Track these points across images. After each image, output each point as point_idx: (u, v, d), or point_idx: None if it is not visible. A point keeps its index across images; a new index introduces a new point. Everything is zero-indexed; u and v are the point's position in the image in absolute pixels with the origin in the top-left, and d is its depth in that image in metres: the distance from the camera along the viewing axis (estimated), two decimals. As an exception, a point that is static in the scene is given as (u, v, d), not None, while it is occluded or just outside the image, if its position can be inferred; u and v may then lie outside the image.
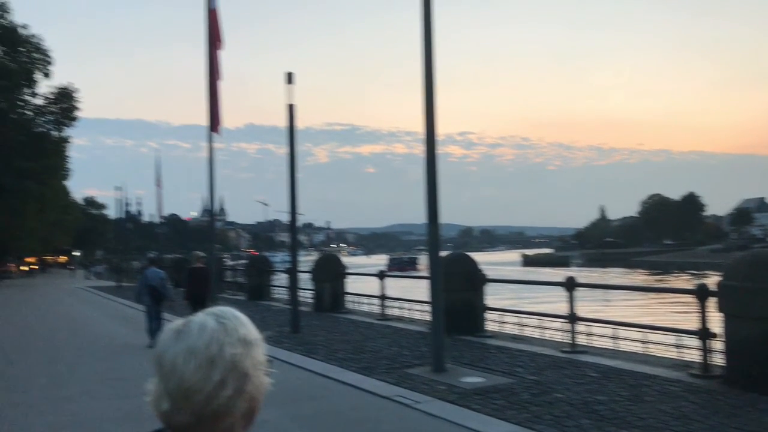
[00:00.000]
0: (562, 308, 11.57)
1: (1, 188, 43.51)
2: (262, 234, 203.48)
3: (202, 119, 17.65)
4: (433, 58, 10.22)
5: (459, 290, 12.92)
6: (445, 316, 10.17)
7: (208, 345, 1.36)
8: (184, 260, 32.22)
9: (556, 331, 12.30)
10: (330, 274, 19.04)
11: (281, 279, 25.01)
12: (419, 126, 10.27)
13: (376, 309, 17.77)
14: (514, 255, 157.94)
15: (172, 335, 1.40)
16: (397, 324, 15.51)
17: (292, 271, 15.51)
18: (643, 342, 10.83)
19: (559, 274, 30.14)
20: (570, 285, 11.34)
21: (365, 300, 18.97)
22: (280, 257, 53.12)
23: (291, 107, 14.95)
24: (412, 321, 15.92)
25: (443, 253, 11.24)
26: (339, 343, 12.90)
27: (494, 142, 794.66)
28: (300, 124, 14.78)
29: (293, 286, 15.35)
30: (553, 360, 10.38)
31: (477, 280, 13.35)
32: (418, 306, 16.30)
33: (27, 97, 45.29)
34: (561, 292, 11.64)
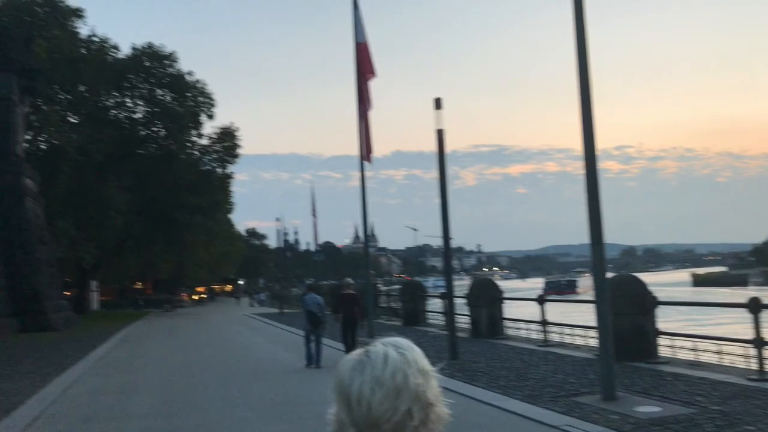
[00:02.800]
0: (742, 331, 10.58)
1: (174, 223, 47.09)
2: (413, 259, 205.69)
3: (352, 149, 18.21)
4: (589, 71, 9.82)
5: (628, 314, 12.20)
6: (613, 342, 9.61)
7: (394, 375, 1.37)
8: (338, 286, 33.15)
9: (737, 357, 11.27)
10: (486, 298, 18.72)
11: (435, 304, 24.97)
12: (572, 142, 9.96)
13: (535, 335, 17.23)
14: (683, 275, 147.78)
15: (354, 365, 1.42)
16: (560, 350, 14.91)
17: (448, 296, 15.39)
18: None
19: (736, 294, 27.85)
20: (755, 306, 10.35)
21: (523, 325, 18.46)
22: (431, 282, 53.35)
23: (440, 132, 14.95)
24: (576, 347, 15.26)
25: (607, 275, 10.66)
26: (500, 370, 12.59)
27: (655, 155, 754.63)
28: (446, 147, 14.72)
29: (450, 312, 15.21)
30: (739, 388, 9.49)
31: (647, 302, 12.57)
32: (580, 331, 15.61)
33: (194, 138, 48.89)
34: (740, 314, 10.66)
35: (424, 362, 1.45)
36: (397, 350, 1.43)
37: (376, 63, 18.25)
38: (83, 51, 42.91)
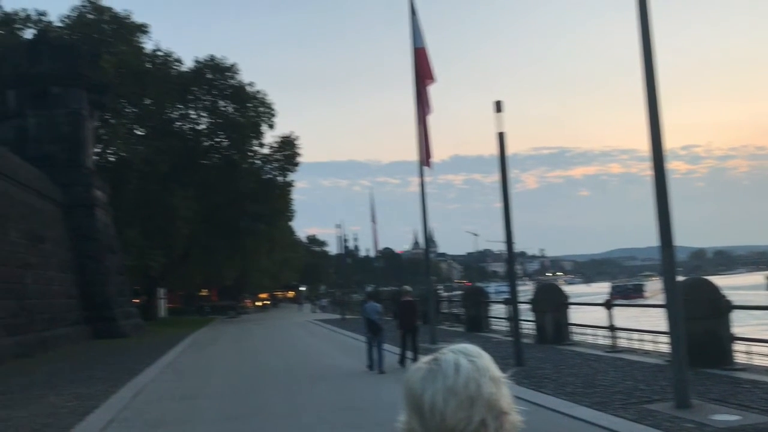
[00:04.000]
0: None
1: (237, 231, 48.01)
2: (473, 264, 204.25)
3: (411, 155, 18.24)
4: (655, 70, 9.55)
5: (700, 318, 11.78)
6: (686, 347, 9.28)
7: (467, 384, 1.35)
8: (398, 293, 33.17)
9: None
10: (551, 304, 18.40)
11: (498, 310, 24.69)
12: (637, 142, 9.74)
13: (602, 340, 16.84)
14: (757, 277, 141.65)
15: (425, 374, 1.39)
16: (629, 356, 14.51)
17: (513, 302, 15.18)
18: None
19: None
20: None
21: (589, 331, 18.06)
22: (493, 287, 52.79)
23: (501, 135, 14.78)
24: (645, 353, 14.82)
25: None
26: (567, 377, 12.33)
27: (724, 154, 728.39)
28: (507, 150, 14.58)
29: (515, 317, 15.01)
30: (823, 397, 9.03)
31: (720, 306, 12.11)
32: (649, 336, 15.16)
33: (255, 148, 49.73)
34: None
35: (495, 370, 1.41)
36: (468, 358, 1.40)
37: (435, 67, 18.20)
38: (148, 65, 44.20)
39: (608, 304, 16.43)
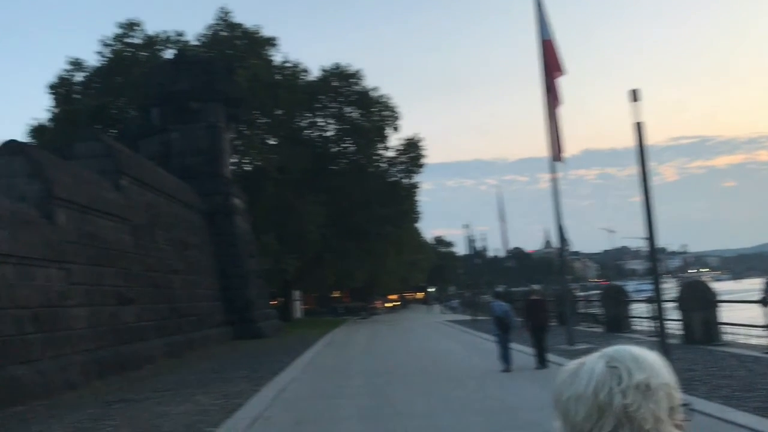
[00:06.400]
0: None
1: (365, 234, 48.87)
2: (609, 262, 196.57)
3: (539, 151, 17.79)
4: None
5: None
6: None
7: (596, 392, 1.26)
8: (529, 293, 32.46)
9: None
10: (699, 302, 17.30)
11: (638, 309, 23.55)
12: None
13: (756, 340, 15.63)
14: None
15: (567, 378, 1.34)
16: (791, 357, 13.37)
17: (657, 300, 14.39)
18: None
19: None
20: None
21: (742, 330, 16.82)
22: (632, 286, 50.52)
23: (639, 125, 14.06)
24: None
25: None
26: (720, 379, 11.52)
27: None
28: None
29: (659, 317, 14.22)
30: None
31: None
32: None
33: (381, 151, 50.46)
34: None
35: (643, 376, 1.27)
36: (609, 363, 1.29)
37: (564, 58, 17.63)
38: (278, 77, 45.89)
39: (765, 302, 15.22)
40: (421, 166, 51.90)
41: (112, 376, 16.91)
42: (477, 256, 56.05)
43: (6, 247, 13.82)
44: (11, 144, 17.08)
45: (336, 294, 76.31)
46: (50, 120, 43.78)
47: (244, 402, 12.30)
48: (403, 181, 52.41)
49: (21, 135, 42.69)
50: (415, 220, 61.70)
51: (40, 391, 13.75)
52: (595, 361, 1.32)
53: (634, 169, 14.06)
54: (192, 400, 12.87)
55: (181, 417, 11.06)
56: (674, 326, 17.89)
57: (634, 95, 13.90)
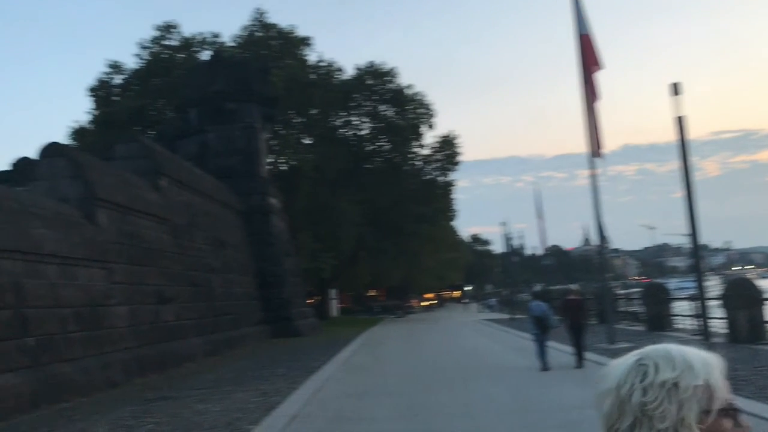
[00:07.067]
0: None
1: (401, 232, 48.82)
2: (650, 260, 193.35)
3: (577, 147, 17.48)
4: None
5: None
6: None
7: (619, 387, 1.28)
8: (566, 292, 32.07)
9: None
10: (744, 299, 16.87)
11: (680, 307, 23.08)
12: None
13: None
14: None
15: (604, 373, 1.36)
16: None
17: (700, 298, 14.07)
18: None
19: None
20: None
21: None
22: (674, 283, 49.59)
23: (680, 120, 13.77)
24: None
25: None
26: (767, 379, 11.20)
27: None
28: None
29: (703, 315, 13.91)
30: None
31: None
32: None
33: (416, 149, 50.33)
34: None
35: (670, 376, 1.23)
36: (639, 361, 1.29)
37: (601, 53, 17.34)
38: (312, 76, 46.10)
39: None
40: (456, 163, 51.68)
41: (152, 374, 17.16)
42: (514, 254, 55.60)
43: (49, 248, 14.10)
44: (53, 146, 17.42)
45: (372, 293, 76.43)
46: (90, 122, 44.64)
47: (282, 400, 12.35)
48: (439, 179, 52.22)
49: (62, 137, 43.56)
50: (451, 218, 61.43)
51: (83, 388, 14.01)
52: (626, 359, 1.33)
53: (675, 165, 13.81)
54: (231, 397, 12.97)
55: (220, 414, 11.15)
56: (718, 325, 17.50)
57: (676, 89, 13.63)
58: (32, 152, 18.72)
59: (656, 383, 1.24)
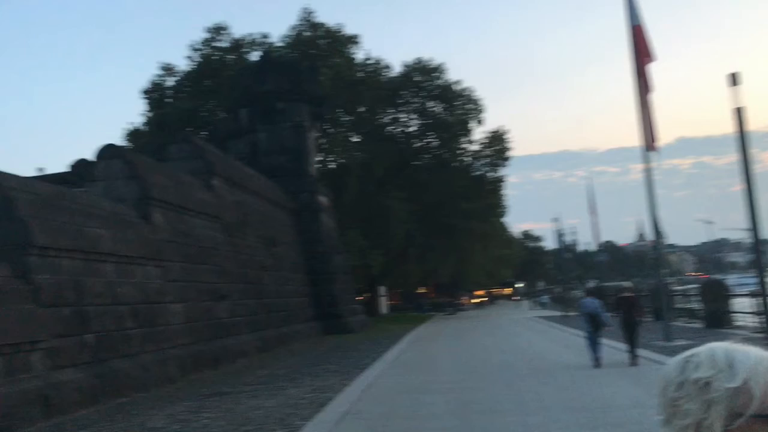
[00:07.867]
0: None
1: (451, 229, 48.60)
2: (708, 255, 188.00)
3: (630, 140, 17.08)
4: None
5: None
6: None
7: (660, 383, 1.30)
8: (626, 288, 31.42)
9: None
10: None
11: (742, 304, 22.37)
12: None
13: None
14: None
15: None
16: None
17: (762, 295, 13.63)
18: None
19: None
20: None
21: None
22: (734, 279, 48.13)
23: (739, 111, 13.36)
24: None
25: None
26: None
27: None
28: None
29: (765, 312, 13.48)
30: None
31: None
32: None
33: (464, 145, 50.02)
34: None
35: (702, 374, 1.21)
36: (686, 358, 1.28)
37: (655, 42, 16.92)
38: (360, 74, 46.26)
39: None
40: (506, 159, 51.19)
41: (206, 370, 17.48)
42: (567, 250, 54.84)
43: (107, 247, 14.49)
44: (110, 148, 17.89)
45: (421, 290, 76.30)
46: (144, 124, 45.73)
47: (333, 396, 12.43)
48: (488, 174, 51.81)
49: (118, 139, 44.73)
50: (502, 214, 60.86)
51: (140, 383, 14.36)
52: (677, 357, 1.32)
53: (733, 157, 13.41)
54: (283, 393, 13.11)
55: (273, 410, 11.28)
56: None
57: (734, 79, 13.24)
58: (90, 154, 19.26)
59: (690, 380, 1.23)
